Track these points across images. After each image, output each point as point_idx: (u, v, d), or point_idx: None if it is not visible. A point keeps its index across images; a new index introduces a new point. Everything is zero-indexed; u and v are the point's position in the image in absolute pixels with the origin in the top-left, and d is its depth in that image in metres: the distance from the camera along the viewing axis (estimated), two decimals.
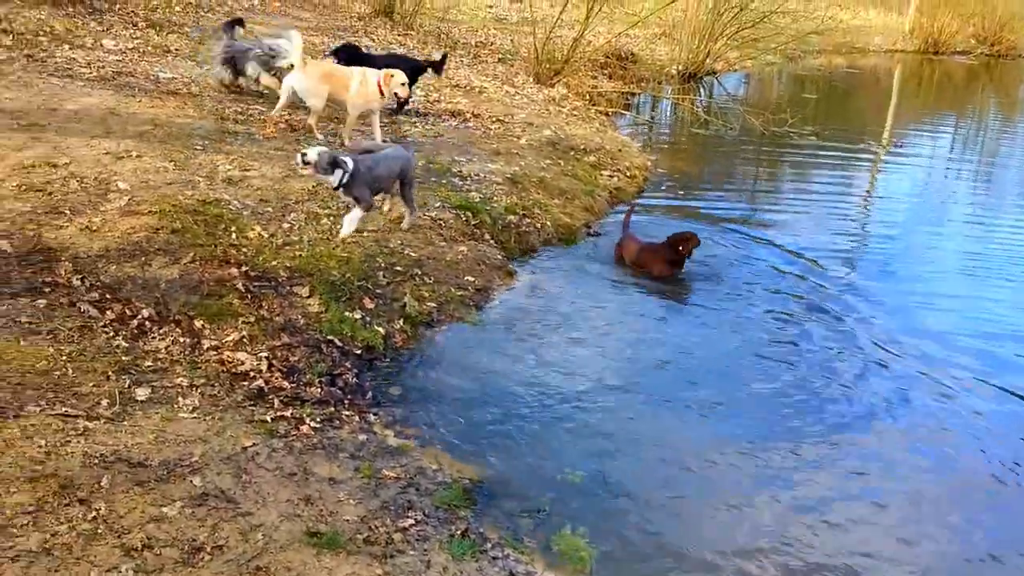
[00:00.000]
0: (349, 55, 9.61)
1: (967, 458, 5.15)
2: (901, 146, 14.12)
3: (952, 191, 12.07)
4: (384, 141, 8.30)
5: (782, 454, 5.00)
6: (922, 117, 18.00)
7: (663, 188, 10.20)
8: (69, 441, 3.74)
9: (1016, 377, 6.10)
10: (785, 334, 6.57)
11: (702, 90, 17.65)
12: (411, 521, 3.89)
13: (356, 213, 6.46)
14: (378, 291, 6.10)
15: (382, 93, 8.19)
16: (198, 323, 5.13)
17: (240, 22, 9.60)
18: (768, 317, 6.86)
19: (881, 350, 6.38)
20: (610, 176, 9.76)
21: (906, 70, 24.44)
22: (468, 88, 11.94)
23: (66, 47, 9.08)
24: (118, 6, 10.94)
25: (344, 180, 6.24)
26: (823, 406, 5.58)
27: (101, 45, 9.48)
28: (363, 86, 8.17)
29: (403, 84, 8.25)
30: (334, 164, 6.17)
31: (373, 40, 13.40)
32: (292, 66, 8.16)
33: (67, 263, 5.24)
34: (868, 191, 11.56)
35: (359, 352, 5.46)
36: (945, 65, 25.28)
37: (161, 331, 4.96)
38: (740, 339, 6.44)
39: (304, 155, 6.12)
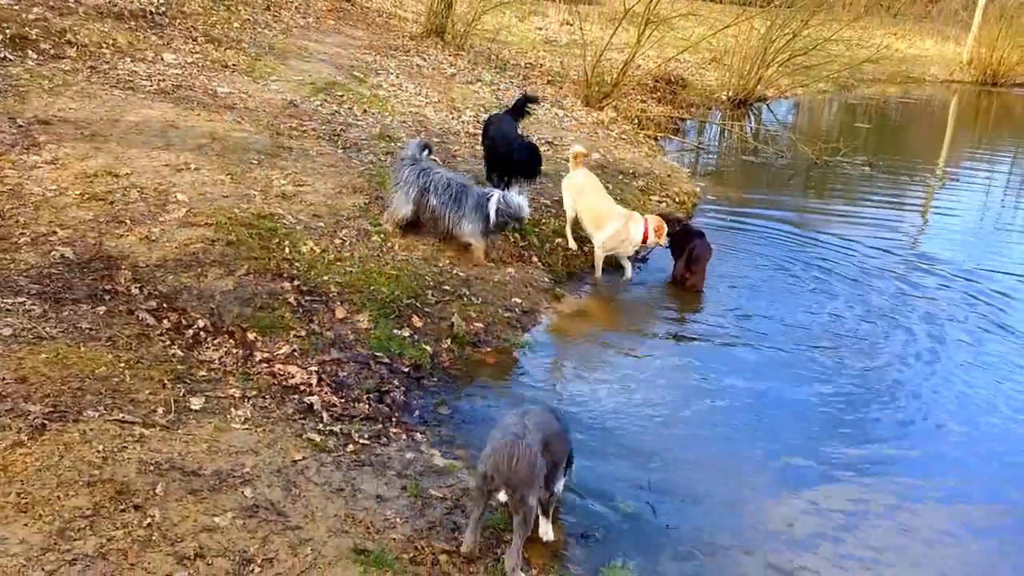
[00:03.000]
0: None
1: None
2: (956, 178, 13.85)
3: (1007, 222, 11.82)
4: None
5: (846, 486, 4.93)
6: (979, 149, 17.64)
7: (712, 214, 10.12)
8: (126, 447, 3.80)
9: None
10: (838, 358, 6.49)
11: (752, 116, 17.52)
12: (457, 543, 3.86)
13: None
14: (426, 310, 6.13)
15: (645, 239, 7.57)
16: (251, 335, 5.20)
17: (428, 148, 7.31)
18: (821, 344, 6.77)
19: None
20: (659, 201, 9.70)
21: (963, 101, 24.00)
22: None
23: (128, 60, 9.31)
24: (178, 21, 11.20)
25: None
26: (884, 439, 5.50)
27: (162, 59, 9.70)
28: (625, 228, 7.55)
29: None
30: None
31: (424, 60, 13.55)
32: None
33: (126, 271, 5.35)
34: (922, 220, 11.40)
35: (407, 370, 5.48)
36: (1004, 97, 24.78)
37: (215, 341, 5.03)
38: (793, 369, 6.34)
39: None
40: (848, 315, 7.38)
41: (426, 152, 7.16)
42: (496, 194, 6.77)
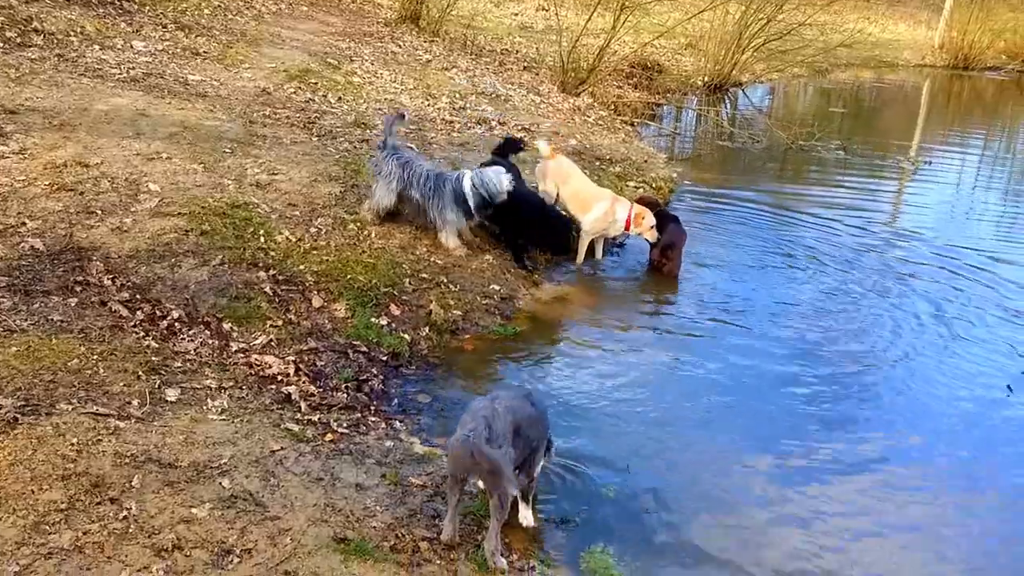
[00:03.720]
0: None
1: None
2: (930, 162, 13.98)
3: (980, 201, 11.97)
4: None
5: (823, 469, 4.97)
6: (951, 133, 17.80)
7: (689, 199, 10.15)
8: (100, 440, 3.76)
9: None
10: (822, 349, 6.51)
11: (728, 102, 17.55)
12: (438, 530, 3.86)
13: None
14: (404, 298, 6.10)
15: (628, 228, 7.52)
16: (226, 325, 5.16)
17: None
18: (801, 326, 6.81)
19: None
20: (636, 187, 9.70)
21: (935, 85, 24.17)
22: (494, 96, 11.94)
23: (96, 47, 9.16)
24: (148, 8, 11.04)
25: None
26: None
27: (131, 46, 9.56)
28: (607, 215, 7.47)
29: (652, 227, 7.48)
30: None
31: (399, 46, 13.45)
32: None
33: (98, 263, 5.28)
34: (897, 200, 11.54)
35: (385, 359, 5.46)
36: (975, 81, 24.98)
37: (190, 332, 4.98)
38: (775, 352, 6.37)
39: None
40: (827, 295, 7.45)
41: (404, 119, 7.22)
42: (468, 173, 6.72)
